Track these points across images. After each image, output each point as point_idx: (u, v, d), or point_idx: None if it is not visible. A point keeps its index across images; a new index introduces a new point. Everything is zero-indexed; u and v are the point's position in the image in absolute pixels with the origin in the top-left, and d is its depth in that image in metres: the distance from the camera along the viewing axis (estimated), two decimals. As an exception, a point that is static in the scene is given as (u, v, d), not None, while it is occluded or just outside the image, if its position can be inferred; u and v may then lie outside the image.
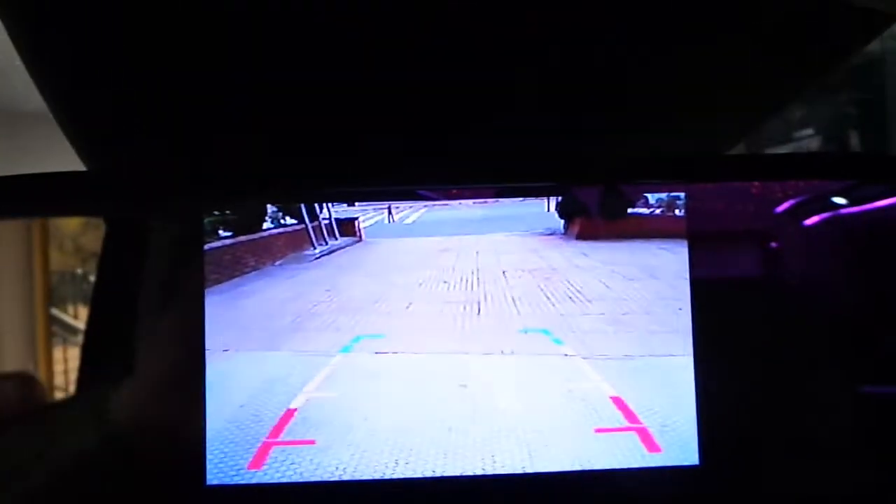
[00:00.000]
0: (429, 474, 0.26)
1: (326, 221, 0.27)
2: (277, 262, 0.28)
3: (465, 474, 0.26)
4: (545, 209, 0.28)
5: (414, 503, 0.26)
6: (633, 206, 0.28)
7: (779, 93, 0.35)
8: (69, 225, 0.31)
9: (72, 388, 0.28)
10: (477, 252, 0.27)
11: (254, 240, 0.27)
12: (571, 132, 0.29)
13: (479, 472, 0.26)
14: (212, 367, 0.26)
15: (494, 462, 0.26)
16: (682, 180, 0.28)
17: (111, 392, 0.26)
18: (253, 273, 0.27)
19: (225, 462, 0.25)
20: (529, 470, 0.26)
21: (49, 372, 0.30)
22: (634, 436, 0.26)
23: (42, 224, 0.30)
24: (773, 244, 0.30)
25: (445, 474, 0.26)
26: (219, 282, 0.26)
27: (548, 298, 0.27)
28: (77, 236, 0.32)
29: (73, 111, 0.30)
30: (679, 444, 0.26)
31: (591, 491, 0.26)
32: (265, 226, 0.27)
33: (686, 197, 0.28)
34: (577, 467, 0.26)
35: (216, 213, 0.26)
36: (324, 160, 0.28)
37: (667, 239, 0.28)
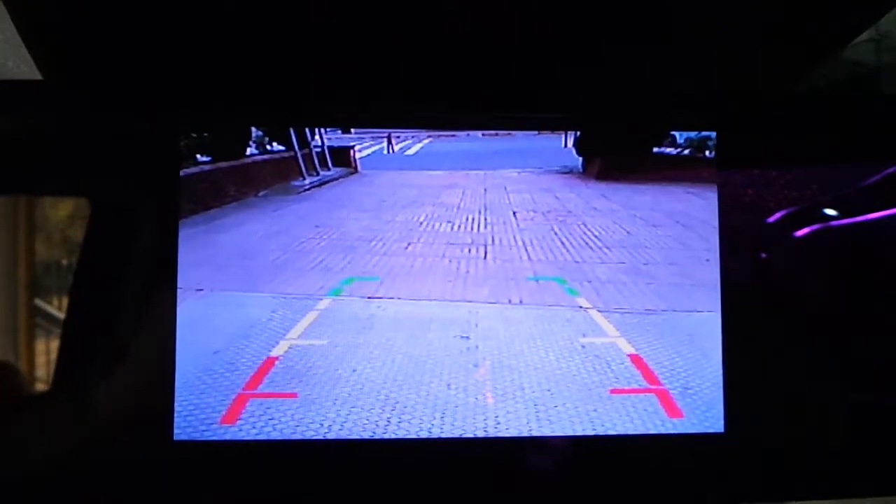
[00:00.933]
0: (424, 435, 0.23)
1: (318, 149, 0.24)
2: (261, 193, 0.25)
3: (463, 436, 0.23)
4: (562, 145, 0.25)
5: (406, 466, 0.23)
6: (660, 145, 0.25)
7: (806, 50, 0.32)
8: (56, 215, 0.27)
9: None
10: (485, 189, 0.25)
11: (235, 167, 0.23)
12: (594, 61, 0.26)
13: (479, 434, 0.23)
14: (183, 308, 0.23)
15: (497, 423, 0.23)
16: (713, 118, 0.26)
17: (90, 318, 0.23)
18: (233, 204, 0.24)
19: (195, 415, 0.23)
20: (536, 433, 0.23)
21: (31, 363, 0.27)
22: (654, 398, 0.24)
23: (28, 214, 0.26)
24: (815, 190, 0.27)
25: (442, 436, 0.23)
26: (194, 212, 0.23)
27: (562, 244, 0.24)
28: (65, 228, 0.29)
29: (34, 15, 0.27)
30: (703, 409, 0.24)
31: (604, 458, 0.24)
32: (248, 151, 0.24)
33: (718, 137, 0.25)
34: (589, 432, 0.23)
35: (194, 133, 0.23)
36: (317, 78, 0.25)
37: (695, 183, 0.25)
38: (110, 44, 0.26)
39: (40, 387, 0.24)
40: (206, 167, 0.23)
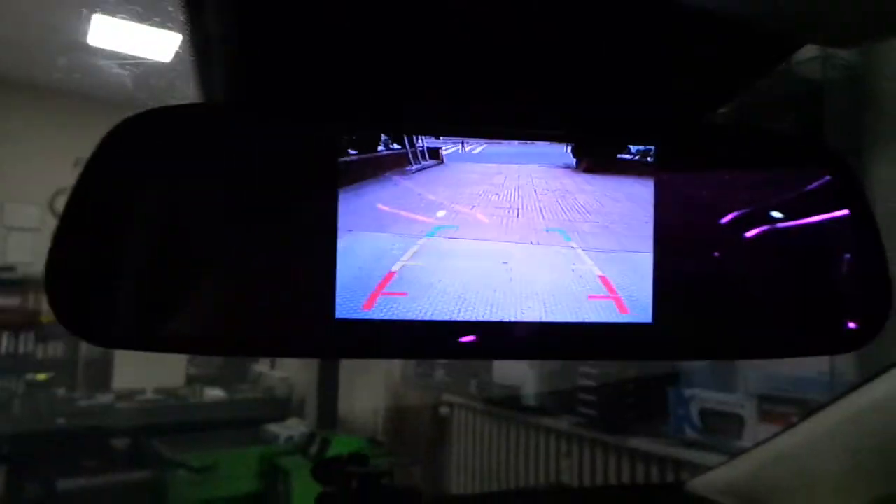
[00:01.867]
0: (479, 318, 0.39)
1: (421, 148, 0.39)
2: (386, 174, 0.40)
3: (503, 319, 0.39)
4: (564, 150, 0.41)
5: (468, 336, 0.39)
6: (622, 153, 0.42)
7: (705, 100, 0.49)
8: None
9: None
10: (518, 176, 0.40)
11: (371, 157, 0.39)
12: (580, 99, 0.43)
13: (512, 318, 0.39)
14: (341, 242, 0.38)
15: (522, 313, 0.39)
16: (653, 137, 0.42)
17: (272, 255, 0.38)
18: (370, 179, 0.39)
19: (348, 304, 0.38)
20: (545, 319, 0.40)
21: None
22: (612, 303, 0.40)
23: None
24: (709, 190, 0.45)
25: (490, 319, 0.39)
26: (348, 185, 0.38)
27: (563, 210, 0.41)
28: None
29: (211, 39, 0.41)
30: (640, 309, 0.41)
31: (583, 335, 0.40)
32: (379, 148, 0.39)
33: (655, 149, 0.42)
34: (575, 319, 0.40)
35: (345, 136, 0.38)
36: (421, 107, 0.40)
37: (641, 177, 0.41)
38: (278, 67, 0.40)
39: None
40: (355, 157, 0.38)
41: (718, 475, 1.18)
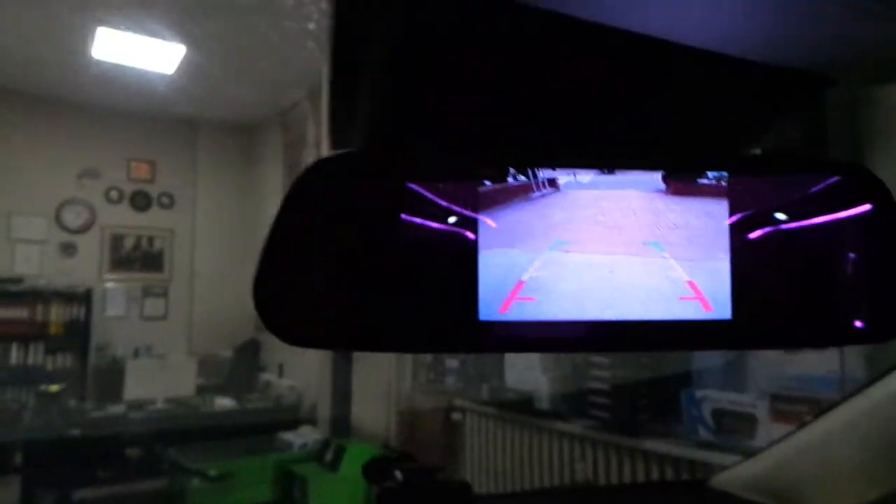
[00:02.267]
0: (593, 318, 0.48)
1: (541, 179, 0.48)
2: (515, 200, 0.48)
3: (611, 319, 0.48)
4: (656, 177, 0.50)
5: (586, 332, 0.48)
6: (701, 178, 0.50)
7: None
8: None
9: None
10: (620, 200, 0.49)
11: (503, 187, 0.47)
12: (669, 136, 0.51)
13: (618, 318, 0.48)
14: (481, 256, 0.46)
15: (626, 314, 0.48)
16: (725, 166, 0.51)
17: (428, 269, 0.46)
18: (502, 205, 0.47)
19: (488, 308, 0.46)
20: (645, 318, 0.48)
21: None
22: (698, 303, 0.49)
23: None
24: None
25: (601, 318, 0.48)
26: (485, 210, 0.46)
27: (656, 226, 0.49)
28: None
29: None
30: (721, 307, 0.49)
31: (675, 331, 0.49)
32: (508, 179, 0.48)
33: (727, 175, 0.51)
34: (669, 318, 0.48)
35: (482, 169, 0.47)
36: (542, 145, 0.48)
37: (718, 198, 0.50)
38: (427, 111, 0.48)
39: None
40: (489, 187, 0.47)
41: (741, 471, 1.25)
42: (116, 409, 4.86)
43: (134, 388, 4.95)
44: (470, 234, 0.46)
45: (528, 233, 0.47)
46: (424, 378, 4.34)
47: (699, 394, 2.80)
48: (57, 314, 6.42)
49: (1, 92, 6.57)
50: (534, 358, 3.47)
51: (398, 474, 1.21)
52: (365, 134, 0.48)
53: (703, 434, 2.75)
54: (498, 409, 3.61)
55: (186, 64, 5.72)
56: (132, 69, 5.81)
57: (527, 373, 3.51)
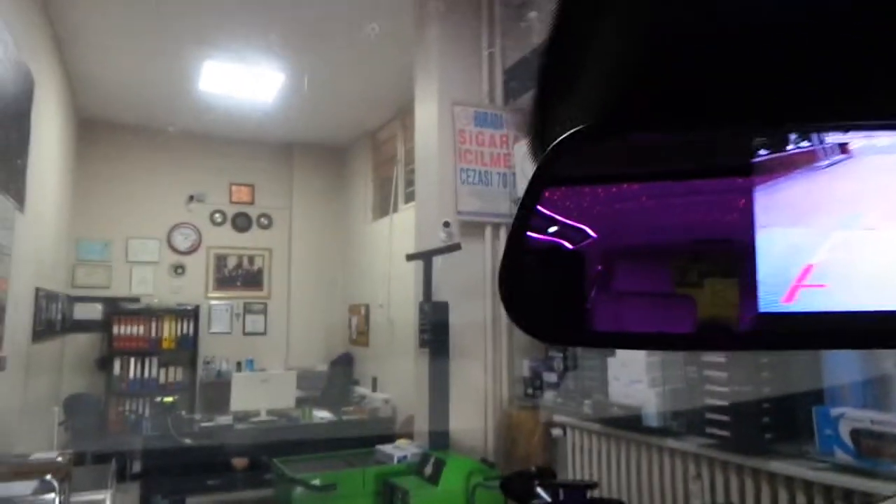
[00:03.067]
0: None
1: (828, 144, 0.42)
2: (797, 170, 0.43)
3: None
4: None
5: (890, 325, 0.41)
6: None
7: None
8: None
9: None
10: None
11: (782, 155, 0.42)
12: None
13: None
14: (759, 237, 0.41)
15: None
16: None
17: (695, 254, 0.42)
18: (782, 177, 0.42)
19: (769, 298, 0.41)
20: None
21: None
22: None
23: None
24: None
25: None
26: (761, 182, 0.41)
27: None
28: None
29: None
30: None
31: None
32: (788, 147, 0.42)
33: None
34: None
35: (756, 137, 0.41)
36: (830, 104, 0.42)
37: None
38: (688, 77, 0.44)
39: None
40: (766, 156, 0.41)
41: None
42: (224, 419, 5.08)
43: (239, 400, 5.16)
44: (745, 212, 0.41)
45: (814, 208, 0.42)
46: (522, 392, 4.26)
47: (835, 411, 2.58)
48: (169, 330, 6.84)
49: (126, 129, 7.16)
50: (640, 371, 3.33)
51: (540, 491, 1.15)
52: (604, 113, 0.45)
53: (841, 456, 2.53)
54: (602, 424, 3.48)
55: (284, 91, 5.99)
56: (234, 99, 6.16)
57: (632, 387, 3.37)
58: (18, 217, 3.86)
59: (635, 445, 3.32)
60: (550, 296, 0.43)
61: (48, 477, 2.78)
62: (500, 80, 4.47)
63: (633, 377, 3.33)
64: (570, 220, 0.42)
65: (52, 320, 5.56)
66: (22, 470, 2.94)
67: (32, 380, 4.80)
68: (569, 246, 0.42)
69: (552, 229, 0.42)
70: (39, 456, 3.44)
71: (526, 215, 0.41)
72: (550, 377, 3.95)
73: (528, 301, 0.42)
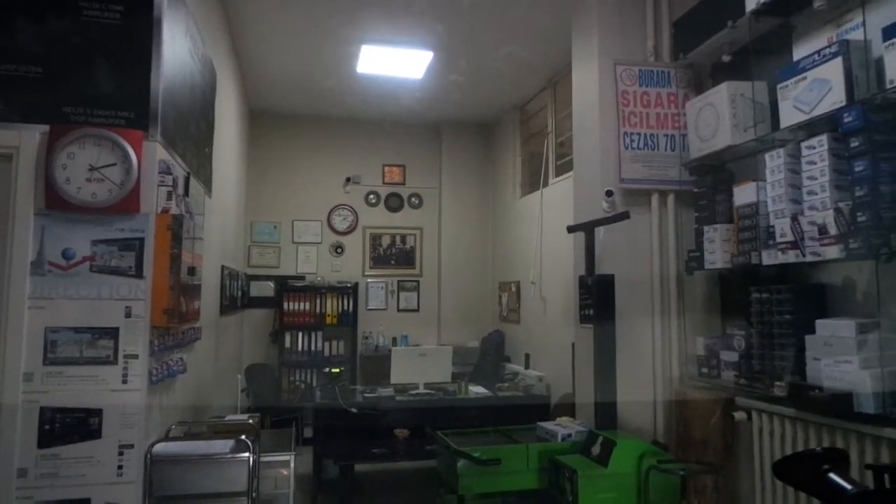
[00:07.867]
0: None
1: None
2: None
3: None
4: None
5: None
6: None
7: None
8: None
9: None
10: None
11: None
12: None
13: None
14: None
15: None
16: None
17: None
18: None
19: None
20: None
21: None
22: None
23: None
24: None
25: None
26: None
27: None
28: None
29: None
30: None
31: None
32: None
33: None
34: None
35: None
36: None
37: None
38: None
39: None
40: None
41: None
42: (385, 391, 5.27)
43: (398, 373, 5.32)
44: None
45: None
46: (695, 371, 3.94)
47: None
48: (331, 306, 7.28)
49: (291, 118, 7.69)
50: (849, 350, 2.90)
51: (835, 478, 0.93)
52: None
53: None
54: (798, 409, 3.09)
55: (433, 68, 6.03)
56: (387, 79, 6.31)
57: (837, 368, 2.94)
58: (207, 201, 4.24)
59: (841, 433, 2.91)
60: None
61: (243, 437, 3.00)
62: (667, 33, 4.11)
63: (839, 357, 2.91)
64: None
65: (234, 296, 6.11)
66: (221, 430, 3.22)
67: (221, 349, 5.31)
68: None
69: None
70: (233, 418, 3.76)
71: None
72: (729, 356, 3.60)
73: None
